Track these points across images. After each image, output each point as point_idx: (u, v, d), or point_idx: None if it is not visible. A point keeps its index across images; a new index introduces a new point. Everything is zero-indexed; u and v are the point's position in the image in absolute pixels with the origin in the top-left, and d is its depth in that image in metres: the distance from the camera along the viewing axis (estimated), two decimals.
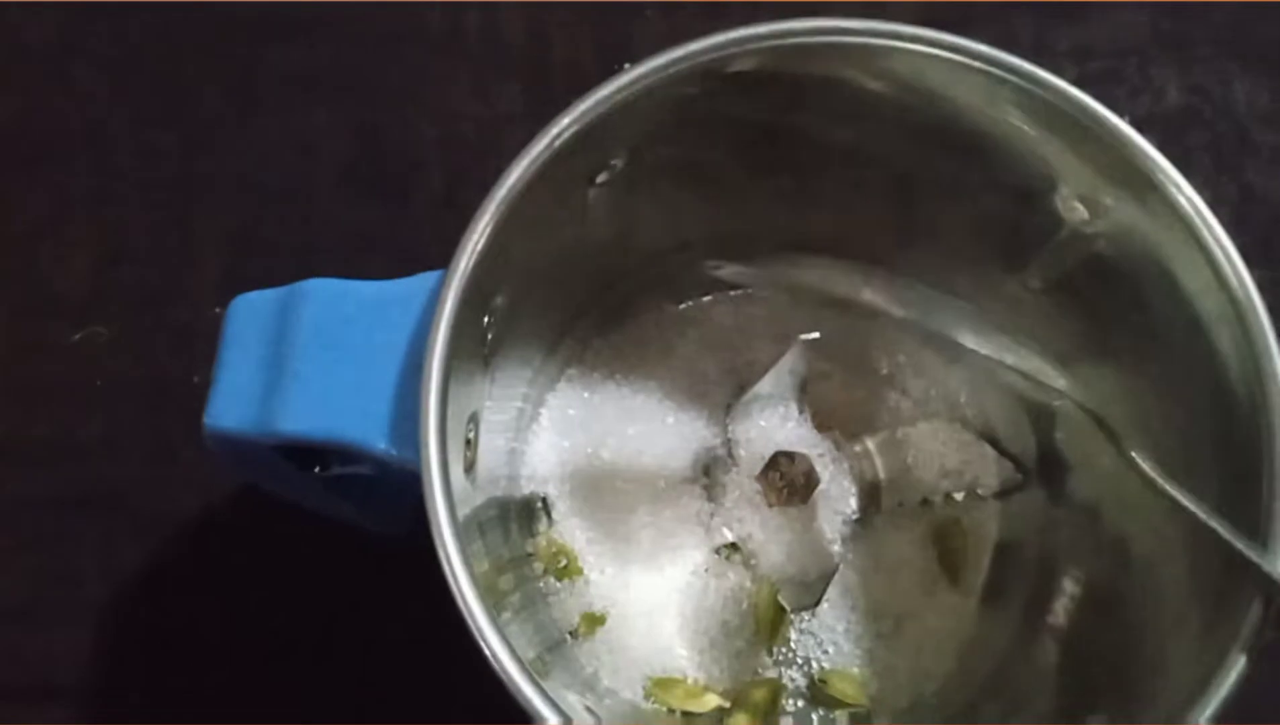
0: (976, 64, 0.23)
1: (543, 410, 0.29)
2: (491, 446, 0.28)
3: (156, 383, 0.33)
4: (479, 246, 0.21)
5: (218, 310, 0.33)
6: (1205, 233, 0.22)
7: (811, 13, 0.38)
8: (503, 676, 0.20)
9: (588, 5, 0.37)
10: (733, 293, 0.31)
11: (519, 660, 0.20)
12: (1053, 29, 0.37)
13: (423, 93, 0.36)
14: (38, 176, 0.35)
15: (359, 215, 0.35)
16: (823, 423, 0.29)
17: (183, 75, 0.36)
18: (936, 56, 0.23)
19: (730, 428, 0.29)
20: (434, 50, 0.37)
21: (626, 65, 0.36)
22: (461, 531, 0.20)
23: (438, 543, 0.19)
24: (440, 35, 0.37)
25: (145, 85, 0.36)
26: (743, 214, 0.29)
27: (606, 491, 0.29)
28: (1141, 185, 0.23)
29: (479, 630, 0.19)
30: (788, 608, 0.27)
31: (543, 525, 0.29)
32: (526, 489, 0.29)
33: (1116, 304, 0.26)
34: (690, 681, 0.28)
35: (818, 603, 0.27)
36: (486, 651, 0.19)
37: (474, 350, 0.23)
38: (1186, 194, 0.22)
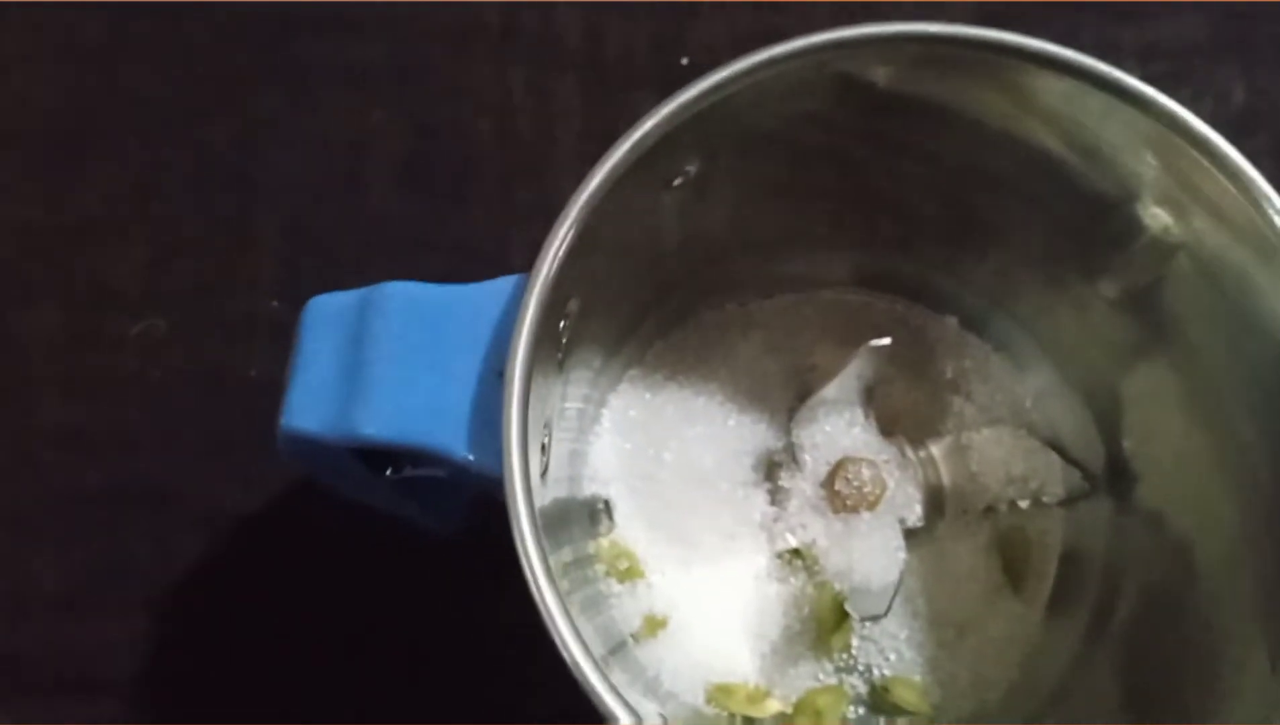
0: (1063, 71, 0.22)
1: (604, 411, 0.29)
2: (558, 448, 0.27)
3: (213, 376, 0.33)
4: (561, 252, 0.21)
5: (275, 304, 0.34)
6: None
7: (868, 14, 0.38)
8: (580, 679, 0.19)
9: (642, 2, 0.37)
10: (796, 295, 0.30)
11: (596, 664, 0.20)
12: (1115, 29, 0.37)
13: (477, 89, 0.36)
14: (90, 173, 0.35)
15: (414, 211, 0.35)
16: (887, 428, 0.29)
17: (235, 72, 0.36)
18: (1021, 62, 0.23)
19: (794, 432, 0.28)
20: (489, 47, 0.36)
21: (684, 60, 0.37)
22: (543, 539, 0.19)
23: (520, 549, 0.19)
24: (496, 32, 0.36)
25: (197, 82, 0.36)
26: (810, 216, 0.28)
27: (668, 493, 0.28)
28: (1233, 202, 0.22)
29: (559, 635, 0.19)
30: (855, 615, 0.27)
31: (604, 527, 0.28)
32: (588, 490, 0.28)
33: (1187, 307, 0.25)
34: (752, 686, 0.28)
35: (886, 611, 0.27)
36: (566, 656, 0.19)
37: (550, 356, 0.23)
38: (1278, 206, 0.22)
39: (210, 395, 0.33)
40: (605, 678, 0.19)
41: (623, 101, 0.36)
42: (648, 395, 0.29)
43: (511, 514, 0.19)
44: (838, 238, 0.29)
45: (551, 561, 0.25)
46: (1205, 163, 0.22)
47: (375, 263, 0.35)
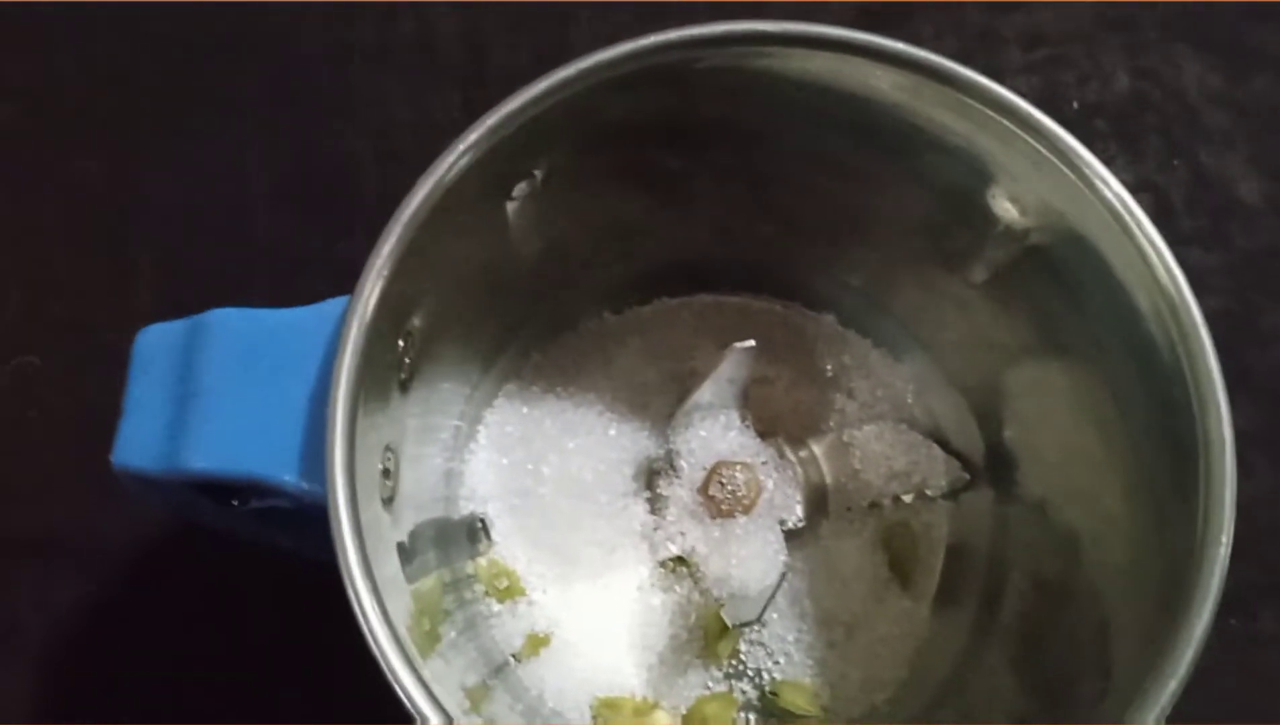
0: (896, 65, 0.22)
1: (480, 428, 0.29)
2: (429, 467, 0.27)
3: (91, 414, 0.32)
4: (384, 273, 0.20)
5: None
6: (1135, 228, 0.22)
7: (750, 13, 0.38)
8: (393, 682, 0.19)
9: (522, 11, 0.36)
10: (673, 300, 0.30)
11: (413, 668, 0.19)
12: (1000, 15, 0.37)
13: (356, 106, 0.35)
14: None
15: (294, 234, 0.34)
16: (767, 429, 0.29)
17: (105, 102, 0.35)
18: (854, 58, 0.22)
19: (671, 438, 0.28)
20: (366, 62, 0.36)
21: None
22: (371, 568, 0.19)
23: (345, 577, 0.19)
24: (372, 47, 0.36)
25: (67, 114, 0.35)
26: (679, 217, 0.28)
27: (548, 509, 0.28)
28: (1070, 181, 0.22)
29: (385, 661, 0.19)
30: (729, 623, 0.26)
31: (483, 545, 0.28)
32: (465, 509, 0.28)
33: (1059, 300, 0.25)
34: (639, 699, 0.27)
35: (759, 617, 0.27)
36: (392, 681, 0.19)
37: (387, 377, 0.22)
38: (1115, 189, 0.22)
39: (89, 434, 0.32)
40: (420, 679, 0.18)
41: None
42: (525, 409, 0.29)
43: (335, 539, 0.19)
44: (715, 240, 0.29)
45: (430, 582, 0.25)
46: (1034, 143, 0.22)
47: (257, 288, 0.34)
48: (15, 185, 0.35)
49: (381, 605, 0.19)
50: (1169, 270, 0.22)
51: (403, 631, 0.19)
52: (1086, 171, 0.22)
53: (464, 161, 0.21)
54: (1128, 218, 0.22)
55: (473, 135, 0.21)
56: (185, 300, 0.33)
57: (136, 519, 0.32)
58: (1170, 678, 0.21)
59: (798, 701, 0.27)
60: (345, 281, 0.34)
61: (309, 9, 0.36)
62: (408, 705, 0.18)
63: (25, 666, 0.31)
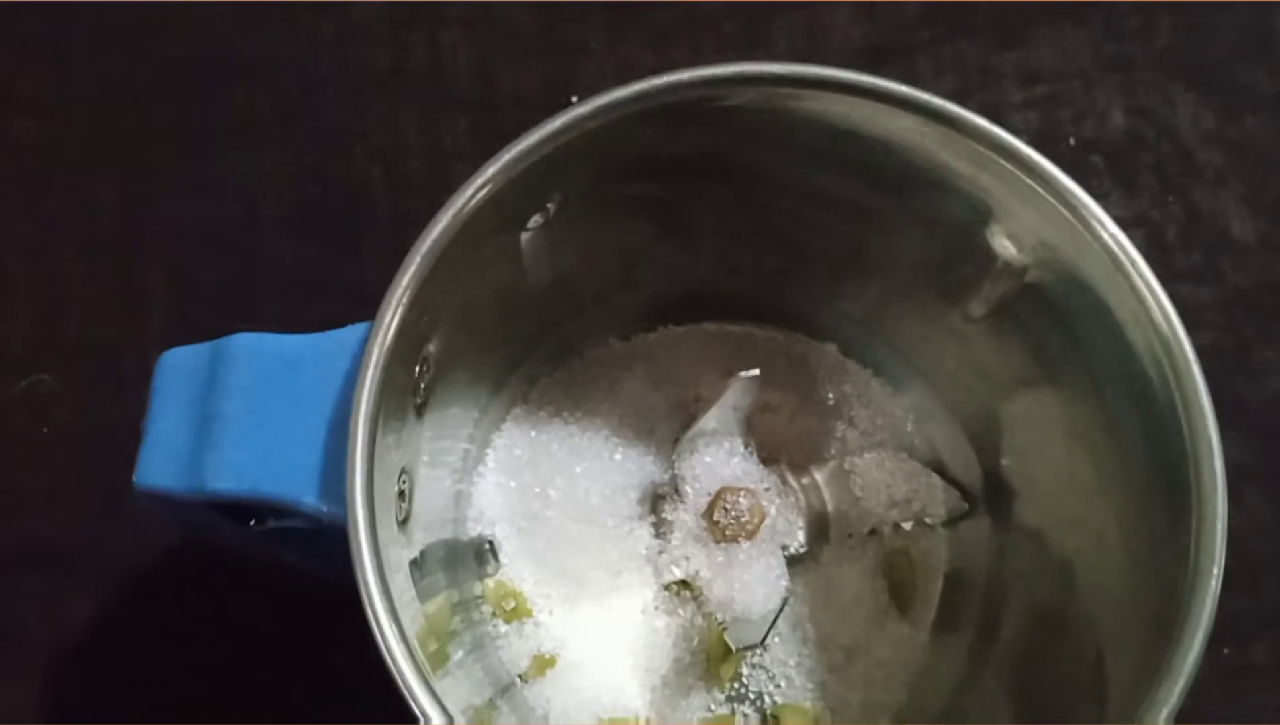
0: (899, 106, 0.23)
1: (489, 451, 0.29)
2: (438, 489, 0.28)
3: (103, 431, 0.33)
4: (404, 301, 0.21)
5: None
6: (1131, 269, 0.22)
7: (756, 44, 0.39)
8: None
9: (533, 40, 0.37)
10: (679, 328, 0.31)
11: (424, 678, 0.19)
12: (997, 54, 0.38)
13: (368, 132, 0.36)
14: None
15: (306, 258, 0.35)
16: (770, 456, 0.29)
17: (121, 123, 0.36)
18: (860, 99, 0.23)
19: (676, 464, 0.29)
20: (378, 89, 0.36)
21: (574, 97, 0.37)
22: (389, 587, 0.19)
23: (364, 596, 0.19)
24: (384, 74, 0.37)
25: (82, 132, 0.36)
26: (686, 250, 0.29)
27: (554, 531, 0.29)
28: (1066, 220, 0.23)
29: (400, 677, 0.19)
30: (732, 646, 0.27)
31: (491, 567, 0.28)
32: (473, 531, 0.29)
33: (1055, 334, 0.26)
34: (643, 721, 0.28)
35: (762, 641, 0.27)
36: (409, 699, 0.19)
37: (404, 402, 0.23)
38: (1111, 230, 0.22)
39: (100, 451, 0.33)
40: (427, 684, 0.19)
41: (513, 140, 0.36)
42: (533, 433, 0.29)
43: (354, 558, 0.19)
44: (718, 271, 0.30)
45: (438, 603, 0.25)
46: (1032, 183, 0.23)
47: (267, 310, 0.35)
48: (30, 203, 0.35)
49: (397, 621, 0.19)
50: (1163, 309, 0.22)
51: (414, 645, 0.20)
52: (1083, 211, 0.23)
53: (483, 193, 0.21)
54: (1123, 257, 0.22)
55: (490, 168, 0.21)
56: (196, 321, 0.34)
57: (144, 535, 0.32)
58: (1163, 704, 0.21)
59: None
60: (355, 303, 0.34)
61: (323, 35, 0.37)
62: (413, 708, 0.19)
63: (32, 677, 0.31)
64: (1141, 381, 0.23)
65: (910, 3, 0.38)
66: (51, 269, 0.35)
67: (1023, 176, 0.23)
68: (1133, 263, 0.22)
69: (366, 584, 0.19)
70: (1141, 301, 0.22)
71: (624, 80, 0.33)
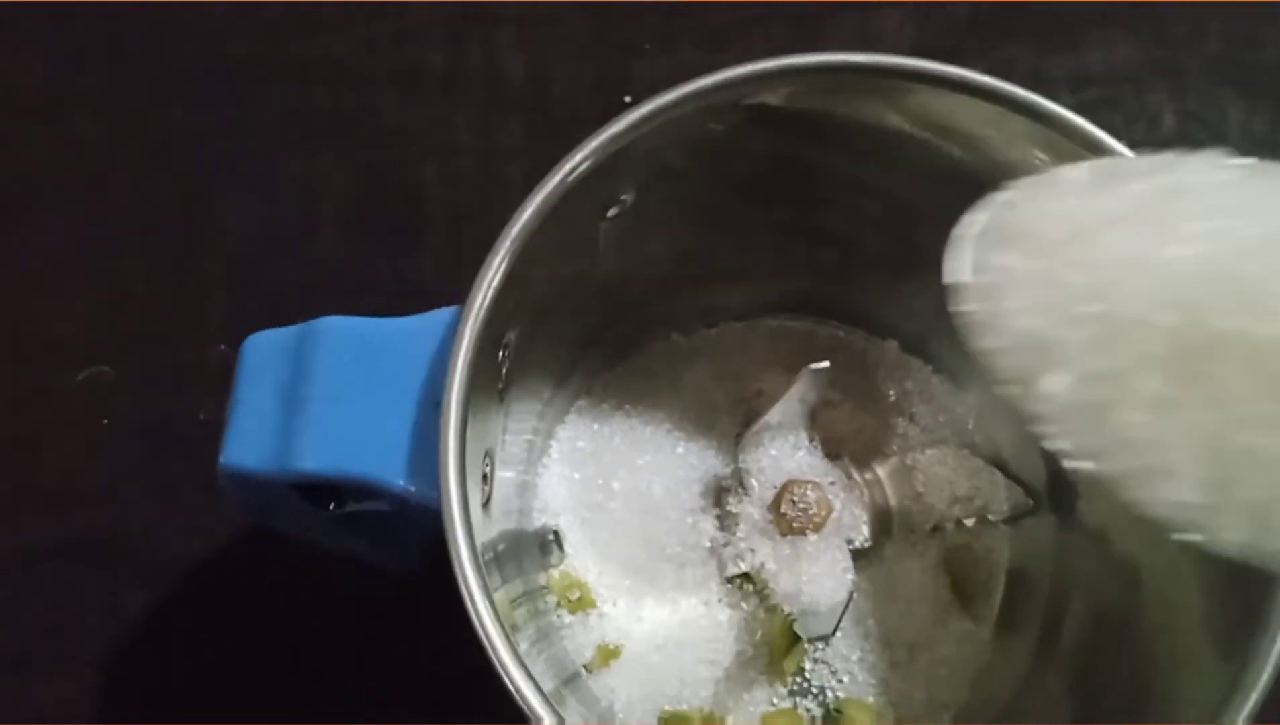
0: (981, 97, 0.23)
1: (553, 443, 0.29)
2: (503, 479, 0.28)
3: (161, 423, 0.33)
4: (495, 282, 0.21)
5: (222, 347, 0.34)
6: None
7: (808, 46, 0.39)
8: (509, 685, 0.19)
9: (587, 42, 0.37)
10: (740, 323, 0.31)
11: (530, 676, 0.20)
12: (1048, 58, 0.38)
13: (423, 130, 0.36)
14: (35, 224, 0.35)
15: (361, 254, 0.35)
16: (833, 451, 0.29)
17: (180, 119, 0.36)
18: (942, 90, 0.23)
19: (741, 457, 0.29)
20: (435, 88, 0.37)
21: (627, 98, 0.37)
22: (482, 567, 0.20)
23: (459, 577, 0.19)
24: (440, 73, 0.37)
25: (142, 130, 0.36)
26: (750, 247, 0.29)
27: (618, 523, 0.29)
28: None
29: (499, 660, 0.19)
30: (803, 637, 0.27)
31: (555, 558, 0.28)
32: (538, 522, 0.29)
33: None
34: (706, 712, 0.28)
35: (834, 631, 0.27)
36: (506, 680, 0.19)
37: (489, 386, 0.23)
38: None
39: (158, 442, 0.33)
40: (538, 688, 0.19)
41: (568, 140, 0.37)
42: (596, 426, 0.29)
43: (449, 538, 0.19)
44: (780, 267, 0.30)
45: (503, 594, 0.25)
46: None
47: (323, 305, 0.34)
48: (90, 199, 0.35)
49: (493, 606, 0.19)
50: None
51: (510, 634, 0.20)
52: None
53: (572, 178, 0.21)
54: None
55: (579, 154, 0.22)
56: (253, 316, 0.34)
57: (201, 526, 0.32)
58: (1238, 708, 0.21)
59: (862, 719, 0.27)
60: (408, 299, 0.34)
61: (379, 36, 0.37)
62: (523, 706, 0.19)
63: (87, 667, 0.31)
64: None
65: (961, 6, 0.38)
66: (111, 264, 0.35)
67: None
68: None
69: (462, 565, 0.19)
70: None
71: (677, 82, 0.34)
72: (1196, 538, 0.16)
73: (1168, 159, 0.18)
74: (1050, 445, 0.16)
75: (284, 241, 0.35)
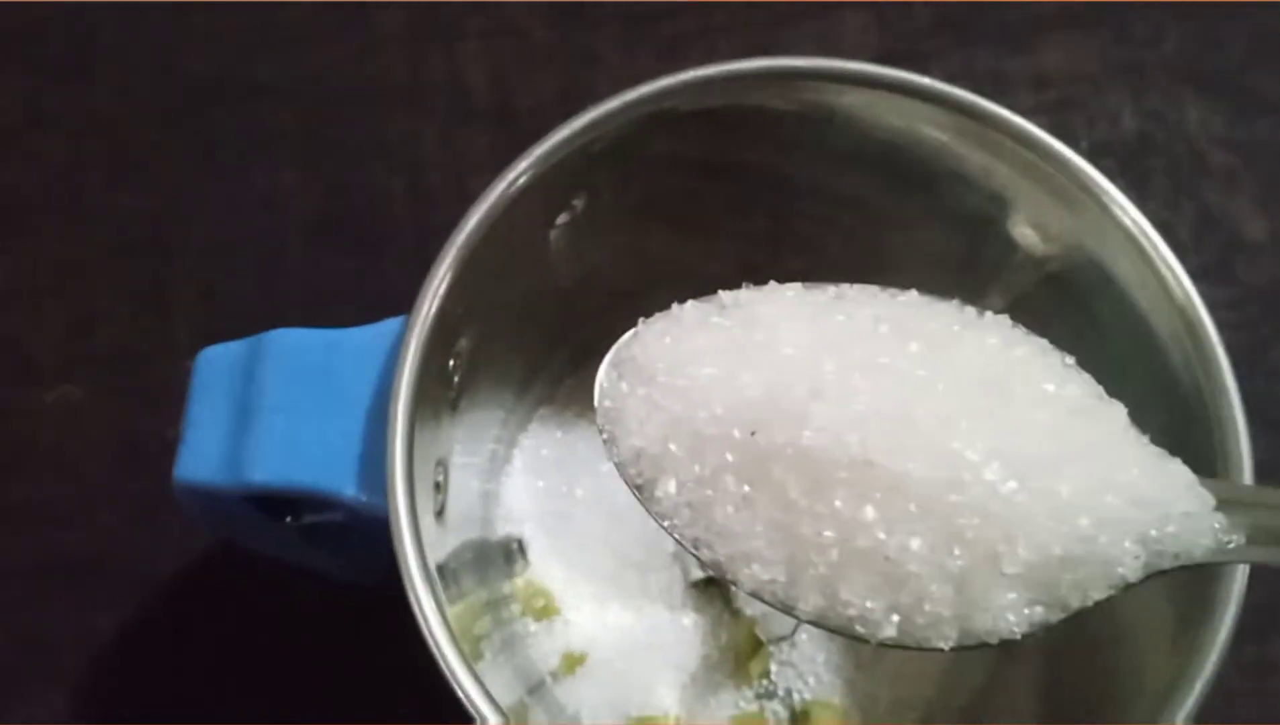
0: (921, 99, 0.23)
1: (516, 451, 0.29)
2: (465, 489, 0.28)
3: (131, 442, 0.33)
4: (440, 292, 0.21)
5: (189, 365, 0.34)
6: (1153, 252, 0.23)
7: (768, 52, 0.39)
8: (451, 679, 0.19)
9: (549, 51, 0.38)
10: None
11: (471, 670, 0.20)
12: (1008, 59, 0.38)
13: (388, 145, 0.37)
14: (4, 245, 0.35)
15: (329, 270, 0.35)
16: None
17: (148, 140, 0.36)
18: (883, 93, 0.23)
19: None
20: (398, 103, 0.37)
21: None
22: (431, 572, 0.20)
23: (406, 583, 0.20)
24: (403, 87, 0.37)
25: (111, 151, 0.36)
26: (706, 251, 0.29)
27: (582, 530, 0.29)
28: (1089, 209, 0.23)
29: (445, 663, 0.19)
30: (764, 638, 0.27)
31: (519, 566, 0.29)
32: (502, 531, 0.29)
33: (1076, 325, 0.26)
34: (672, 719, 0.28)
35: (794, 631, 0.27)
36: (450, 679, 0.19)
37: (440, 395, 0.23)
38: (1133, 215, 0.23)
39: (129, 461, 0.33)
40: (477, 679, 0.19)
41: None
42: (559, 433, 0.30)
43: (396, 546, 0.19)
44: (744, 273, 0.30)
45: (467, 603, 0.26)
46: (1056, 173, 0.23)
47: (291, 321, 0.34)
48: (59, 217, 0.36)
49: (442, 610, 0.19)
50: (1183, 287, 0.23)
51: (459, 640, 0.20)
52: (1104, 199, 0.23)
53: (516, 186, 0.22)
54: (1144, 241, 0.23)
55: (522, 163, 0.22)
56: (223, 332, 0.34)
57: (173, 544, 0.32)
58: (1181, 705, 0.21)
59: (827, 721, 0.28)
60: (377, 313, 0.34)
61: (343, 51, 0.37)
62: (468, 706, 0.19)
63: (64, 685, 0.31)
64: (1163, 366, 0.23)
65: (922, 10, 0.38)
66: (81, 282, 0.35)
67: (1042, 164, 0.23)
68: (1153, 245, 0.23)
69: (410, 573, 0.19)
70: (1162, 282, 0.22)
71: None
72: (781, 609, 0.19)
73: (765, 292, 0.22)
74: (673, 537, 0.19)
75: (251, 258, 0.35)
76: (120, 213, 0.36)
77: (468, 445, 0.27)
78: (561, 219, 0.25)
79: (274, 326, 0.35)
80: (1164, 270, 0.22)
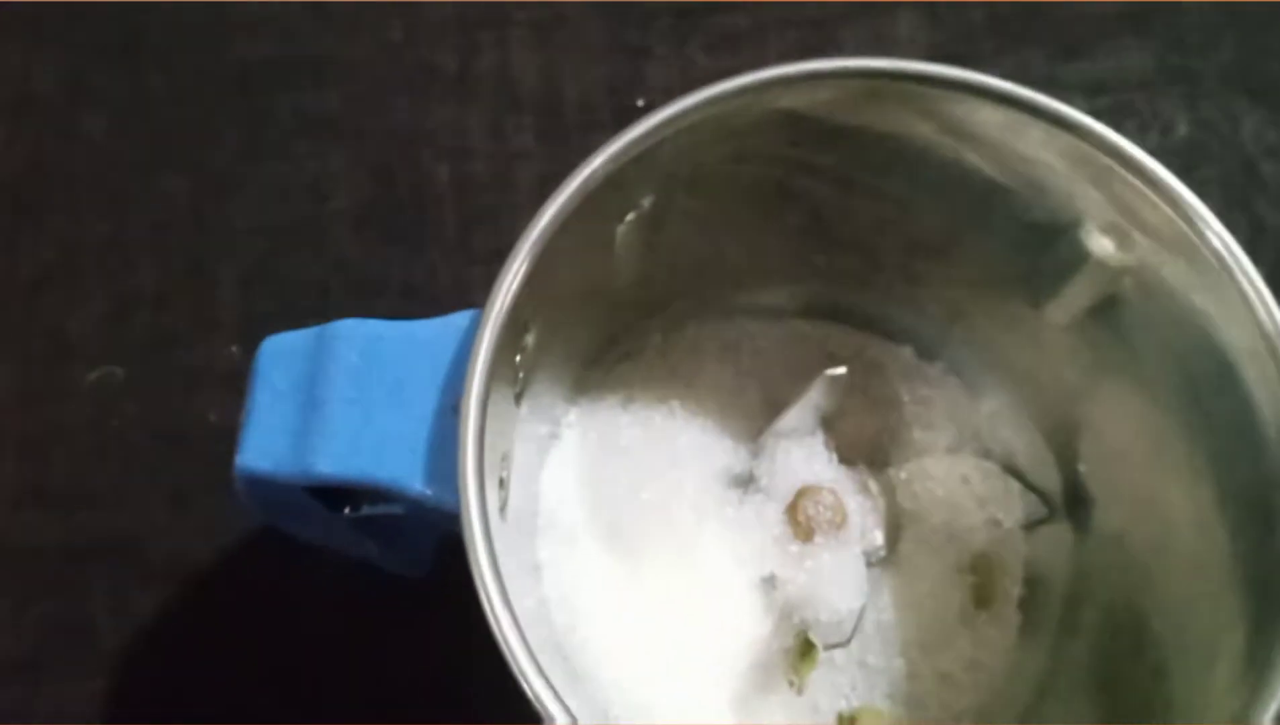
0: (1002, 103, 0.23)
1: (565, 443, 0.29)
2: (517, 478, 0.27)
3: (172, 425, 0.33)
4: (515, 285, 0.21)
5: (234, 350, 0.34)
6: (1235, 266, 0.22)
7: (822, 52, 0.39)
8: (524, 685, 0.19)
9: (598, 45, 0.37)
10: (753, 325, 0.31)
11: (543, 676, 0.19)
12: (1062, 64, 0.38)
13: (435, 133, 0.36)
14: (46, 224, 0.35)
15: (373, 256, 0.35)
16: (847, 457, 0.29)
17: (193, 121, 0.36)
18: (959, 95, 0.23)
19: (755, 462, 0.28)
20: (447, 91, 0.37)
21: (640, 102, 0.37)
22: (500, 572, 0.19)
23: (478, 583, 0.19)
24: (452, 76, 0.37)
25: (154, 131, 0.36)
26: (768, 250, 0.29)
27: (630, 526, 0.28)
28: (1168, 219, 0.23)
29: (518, 666, 0.19)
30: (819, 644, 0.27)
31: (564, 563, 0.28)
32: (547, 523, 0.28)
33: (1141, 341, 0.26)
34: (722, 723, 0.27)
35: (849, 639, 0.27)
36: (525, 687, 0.19)
37: (507, 390, 0.23)
38: (1216, 228, 0.22)
39: (169, 444, 0.33)
40: (546, 679, 0.19)
41: (580, 144, 0.36)
42: (609, 426, 0.29)
43: (468, 544, 0.19)
44: (797, 273, 0.30)
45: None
46: (1142, 187, 0.23)
47: (334, 308, 0.34)
48: (102, 199, 0.35)
49: (509, 606, 0.19)
50: (1267, 306, 0.22)
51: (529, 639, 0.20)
52: (1187, 210, 0.23)
53: (594, 182, 0.21)
54: (1229, 257, 0.22)
55: (600, 157, 0.21)
56: (264, 318, 0.35)
57: (210, 530, 0.32)
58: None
59: None
60: (419, 302, 0.35)
61: (393, 37, 0.37)
62: (538, 706, 0.19)
63: (99, 669, 0.31)
64: (1237, 387, 0.23)
65: (976, 10, 0.38)
66: (123, 264, 0.35)
67: (1123, 173, 0.23)
68: (1238, 262, 0.22)
69: (481, 570, 0.19)
70: (1245, 299, 0.22)
71: (690, 85, 0.34)
72: None
73: None
74: None
75: (295, 243, 0.35)
76: (163, 195, 0.35)
77: (523, 443, 0.26)
78: (630, 216, 0.25)
79: (315, 312, 0.35)
80: (1247, 287, 0.22)
